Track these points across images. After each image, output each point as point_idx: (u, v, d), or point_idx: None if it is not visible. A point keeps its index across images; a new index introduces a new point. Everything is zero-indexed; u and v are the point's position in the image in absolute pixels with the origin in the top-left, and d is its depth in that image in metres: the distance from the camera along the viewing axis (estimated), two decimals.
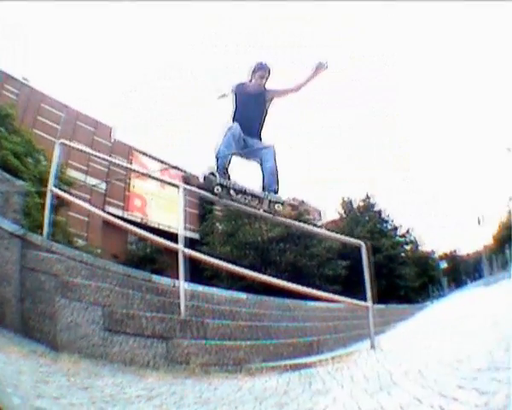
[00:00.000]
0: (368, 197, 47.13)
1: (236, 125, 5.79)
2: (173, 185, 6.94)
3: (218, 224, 33.93)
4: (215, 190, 5.75)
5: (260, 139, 6.03)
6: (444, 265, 61.48)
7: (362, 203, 46.95)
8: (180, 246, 5.12)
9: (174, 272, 5.16)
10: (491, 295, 10.93)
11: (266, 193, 5.73)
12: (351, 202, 47.13)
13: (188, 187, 6.39)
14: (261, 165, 5.87)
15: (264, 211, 5.82)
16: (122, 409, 2.60)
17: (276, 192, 5.75)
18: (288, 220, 6.27)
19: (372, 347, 5.29)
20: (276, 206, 5.74)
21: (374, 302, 5.75)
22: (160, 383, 3.37)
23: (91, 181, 30.07)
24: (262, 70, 5.96)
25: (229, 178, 5.82)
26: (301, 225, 6.28)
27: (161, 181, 10.07)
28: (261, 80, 5.97)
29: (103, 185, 31.61)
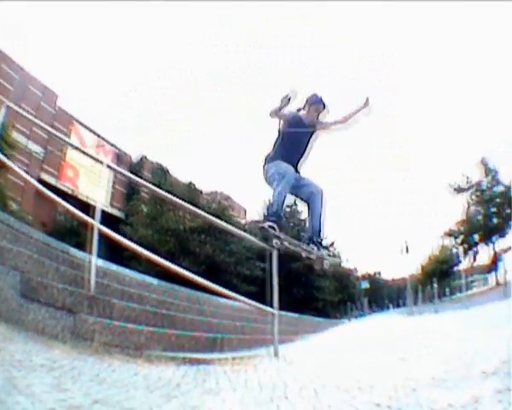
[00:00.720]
0: (295, 204, 47.33)
1: (291, 171, 5.58)
2: (98, 161, 6.71)
3: (143, 206, 33.44)
4: (273, 243, 5.58)
5: (299, 172, 5.87)
6: (365, 285, 63.21)
7: (288, 209, 47.09)
8: (95, 222, 4.91)
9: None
10: (410, 326, 11.27)
11: (320, 252, 5.67)
12: None
13: (113, 165, 6.39)
14: (308, 206, 5.85)
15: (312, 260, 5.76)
16: (25, 375, 2.61)
17: (321, 239, 5.77)
18: (203, 213, 6.03)
19: (275, 355, 5.18)
20: (325, 263, 5.74)
21: (286, 310, 5.63)
22: (64, 356, 3.38)
23: (32, 146, 29.57)
24: (318, 104, 5.89)
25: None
26: (215, 220, 6.02)
27: (86, 154, 9.74)
28: (315, 114, 5.89)
29: (41, 152, 30.71)
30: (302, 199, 5.90)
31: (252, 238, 6.35)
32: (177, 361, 4.21)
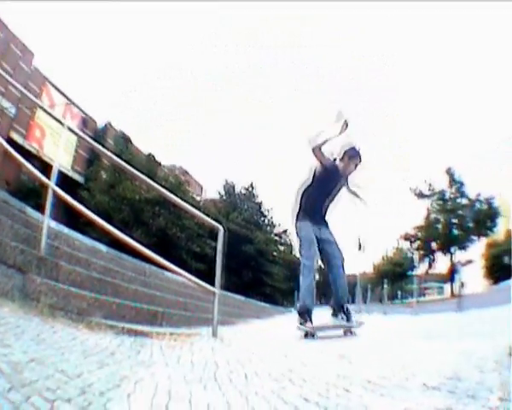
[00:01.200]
0: (252, 187, 47.17)
1: (315, 247, 5.77)
2: (59, 122, 6.65)
3: (103, 172, 32.95)
4: (305, 337, 5.61)
5: (325, 221, 6.06)
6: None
7: (244, 191, 47.14)
8: (50, 183, 4.89)
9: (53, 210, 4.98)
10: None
11: (350, 323, 5.95)
12: (233, 187, 46.94)
13: (74, 128, 6.37)
14: (330, 270, 6.01)
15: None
16: None
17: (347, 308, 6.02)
18: (155, 185, 5.97)
19: (213, 335, 5.25)
20: (352, 331, 5.98)
21: (234, 292, 5.69)
22: (11, 315, 3.42)
23: (6, 104, 28.88)
24: (357, 158, 5.88)
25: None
26: (167, 192, 5.95)
27: (50, 115, 9.56)
28: (353, 167, 5.93)
29: (13, 110, 29.86)
30: (321, 252, 5.93)
31: (201, 215, 6.29)
32: (116, 330, 4.23)
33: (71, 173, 32.96)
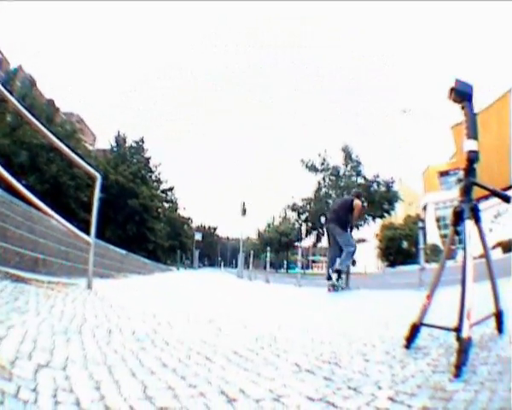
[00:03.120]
0: (142, 141, 46.02)
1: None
2: None
3: (7, 115, 31.19)
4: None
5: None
6: (199, 237, 63.58)
7: (134, 144, 45.82)
8: None
9: None
10: (234, 289, 11.08)
11: (338, 283, 9.08)
12: (124, 139, 45.61)
13: None
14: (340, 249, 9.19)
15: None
16: None
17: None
18: (44, 129, 5.67)
19: (88, 287, 5.21)
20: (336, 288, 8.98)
21: (118, 245, 5.62)
22: None
23: None
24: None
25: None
26: (53, 137, 5.52)
27: None
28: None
29: None
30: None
31: (80, 161, 5.85)
32: (0, 274, 4.22)
33: None
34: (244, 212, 23.32)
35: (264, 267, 18.95)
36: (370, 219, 45.74)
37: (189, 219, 65.01)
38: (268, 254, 17.84)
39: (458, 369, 1.95)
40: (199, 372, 2.06)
